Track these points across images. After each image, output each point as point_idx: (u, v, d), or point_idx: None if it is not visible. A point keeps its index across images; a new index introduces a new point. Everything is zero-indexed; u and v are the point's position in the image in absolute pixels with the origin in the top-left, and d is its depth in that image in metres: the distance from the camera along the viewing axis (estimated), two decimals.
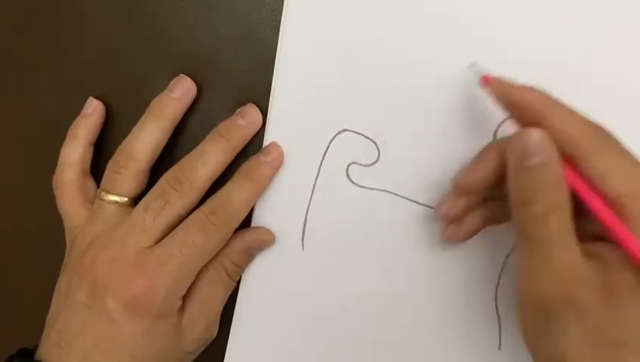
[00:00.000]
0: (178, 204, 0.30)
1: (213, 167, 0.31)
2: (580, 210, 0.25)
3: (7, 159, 0.37)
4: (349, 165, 0.32)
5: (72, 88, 0.35)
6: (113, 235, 0.30)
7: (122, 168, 0.31)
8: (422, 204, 0.32)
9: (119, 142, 0.32)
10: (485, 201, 0.29)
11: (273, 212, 0.33)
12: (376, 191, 0.32)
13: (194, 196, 0.31)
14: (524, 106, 0.26)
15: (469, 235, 0.30)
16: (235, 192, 0.31)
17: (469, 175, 0.28)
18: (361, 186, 0.32)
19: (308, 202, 0.33)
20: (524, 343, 0.27)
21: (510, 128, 0.29)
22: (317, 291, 0.33)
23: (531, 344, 0.26)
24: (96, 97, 0.34)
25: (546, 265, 0.24)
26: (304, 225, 0.33)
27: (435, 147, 0.31)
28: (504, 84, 0.27)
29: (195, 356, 0.33)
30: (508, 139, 0.26)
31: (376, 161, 0.32)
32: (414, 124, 0.32)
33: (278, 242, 0.33)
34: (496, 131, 0.31)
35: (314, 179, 0.33)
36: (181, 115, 0.33)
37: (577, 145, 0.25)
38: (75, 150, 0.33)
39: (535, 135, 0.25)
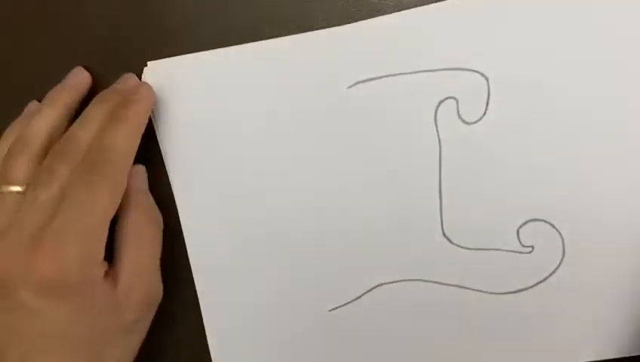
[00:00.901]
0: (64, 170, 0.28)
1: (95, 131, 0.30)
2: None
3: None
4: None
5: None
6: (11, 223, 0.28)
7: (17, 155, 0.30)
8: None
9: None
10: None
11: None
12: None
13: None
14: None
15: None
16: (107, 135, 0.29)
17: None
18: None
19: None
20: None
21: (449, 108, 0.30)
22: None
23: None
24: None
25: None
26: None
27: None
28: None
29: (147, 323, 0.31)
30: None
31: None
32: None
33: None
34: (435, 115, 0.31)
35: None
36: (76, 103, 0.32)
37: None
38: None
39: None
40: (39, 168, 0.29)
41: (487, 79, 0.30)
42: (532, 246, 0.31)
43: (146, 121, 0.31)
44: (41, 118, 0.31)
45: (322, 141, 0.32)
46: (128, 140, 0.29)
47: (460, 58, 0.30)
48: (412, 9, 0.31)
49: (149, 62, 0.33)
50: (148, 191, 0.33)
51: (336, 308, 0.33)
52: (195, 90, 0.32)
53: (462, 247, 0.32)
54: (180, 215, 0.33)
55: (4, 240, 0.28)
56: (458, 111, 0.31)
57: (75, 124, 0.30)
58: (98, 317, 0.28)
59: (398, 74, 0.31)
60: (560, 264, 0.31)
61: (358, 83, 0.31)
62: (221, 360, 0.34)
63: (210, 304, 0.34)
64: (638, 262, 0.30)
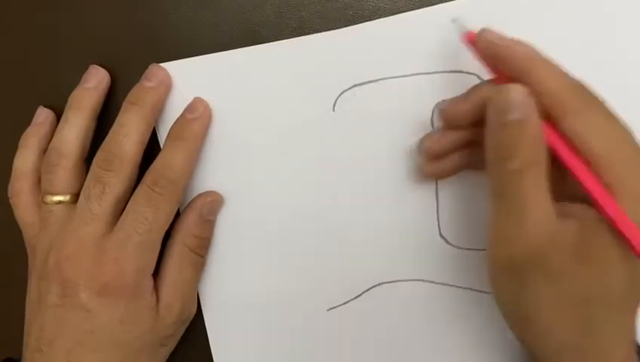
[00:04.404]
0: (116, 183, 0.30)
1: (137, 137, 0.31)
2: (557, 170, 0.25)
3: None
4: None
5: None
6: (67, 233, 0.30)
7: (55, 167, 0.31)
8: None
9: None
10: (467, 145, 0.29)
11: None
12: None
13: (128, 170, 0.30)
14: (509, 59, 0.26)
15: (447, 173, 0.30)
16: (170, 156, 0.31)
17: (455, 104, 0.28)
18: None
19: None
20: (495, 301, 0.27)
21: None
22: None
23: (501, 302, 0.27)
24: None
25: (519, 223, 0.24)
26: None
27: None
28: (492, 36, 0.26)
29: (177, 339, 0.33)
30: (490, 94, 0.26)
31: None
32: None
33: None
34: (432, 117, 0.31)
35: None
36: (100, 104, 0.33)
37: (558, 104, 0.25)
38: (28, 158, 0.33)
39: (515, 90, 0.24)
40: (87, 178, 0.31)
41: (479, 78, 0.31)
42: None
43: (205, 138, 0.32)
44: (71, 128, 0.32)
45: (320, 142, 0.32)
46: (187, 161, 0.31)
47: (456, 60, 0.31)
48: (408, 12, 0.31)
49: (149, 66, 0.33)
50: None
51: (335, 307, 0.33)
52: (195, 92, 0.32)
53: (459, 248, 0.32)
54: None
55: (68, 248, 0.30)
56: None
57: (112, 131, 0.31)
58: (142, 327, 0.30)
59: (396, 77, 0.31)
60: None
61: (354, 86, 0.32)
62: (222, 359, 0.34)
63: (210, 303, 0.34)
64: None
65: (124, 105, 0.31)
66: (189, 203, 0.33)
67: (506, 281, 0.25)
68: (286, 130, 0.32)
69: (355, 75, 0.32)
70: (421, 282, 0.32)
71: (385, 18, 0.31)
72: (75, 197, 0.31)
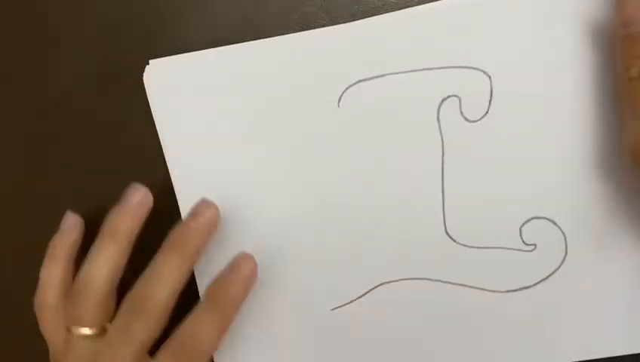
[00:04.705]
0: (144, 332, 0.29)
1: (173, 286, 0.29)
2: None
3: None
4: None
5: None
6: None
7: (84, 300, 0.30)
8: None
9: None
10: None
11: None
12: None
13: (159, 321, 0.29)
14: None
15: None
16: (204, 327, 0.29)
17: None
18: None
19: None
20: None
21: (452, 106, 0.30)
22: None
23: None
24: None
25: None
26: None
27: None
28: None
29: None
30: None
31: None
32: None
33: None
34: (438, 113, 0.31)
35: None
36: (137, 235, 0.31)
37: None
38: (55, 270, 0.31)
39: (634, 5, 0.27)
40: (113, 322, 0.30)
41: (489, 77, 0.30)
42: (535, 245, 0.31)
43: (240, 307, 0.30)
44: (104, 259, 0.30)
45: (324, 139, 0.32)
46: (220, 332, 0.29)
47: (462, 56, 0.30)
48: (414, 7, 0.31)
49: (150, 61, 0.32)
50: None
51: (339, 307, 0.33)
52: (196, 88, 0.32)
53: (465, 246, 0.31)
54: (180, 211, 0.33)
55: None
56: (461, 109, 0.31)
57: (148, 276, 0.29)
58: None
59: (401, 72, 0.31)
60: (562, 262, 0.31)
61: (359, 82, 0.31)
62: (223, 359, 0.34)
63: None
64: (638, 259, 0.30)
65: (165, 246, 0.30)
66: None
67: None
68: (288, 127, 0.32)
69: (360, 71, 0.31)
70: (426, 281, 0.32)
71: (390, 13, 0.31)
72: (100, 330, 0.30)
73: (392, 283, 0.32)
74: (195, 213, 0.30)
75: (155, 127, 0.33)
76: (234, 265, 0.30)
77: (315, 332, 0.33)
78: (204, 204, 0.30)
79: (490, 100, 0.31)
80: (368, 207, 0.32)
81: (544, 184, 0.31)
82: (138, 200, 0.31)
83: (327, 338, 0.33)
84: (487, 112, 0.31)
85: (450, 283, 0.32)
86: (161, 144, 0.33)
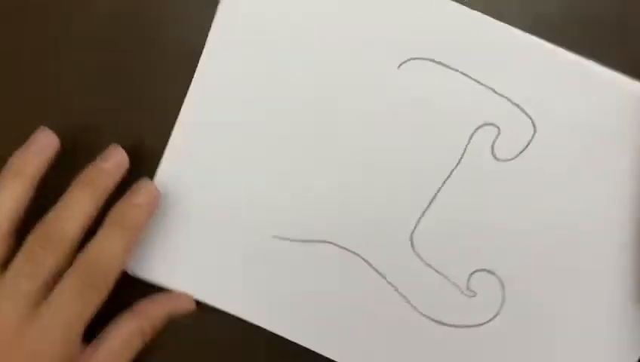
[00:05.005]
0: (51, 263, 0.28)
1: (83, 220, 0.29)
2: None
3: None
4: None
5: None
6: None
7: None
8: None
9: None
10: None
11: None
12: None
13: (67, 251, 0.29)
14: None
15: None
16: (107, 246, 0.29)
17: None
18: None
19: None
20: None
21: (485, 134, 0.30)
22: None
23: None
24: None
25: None
26: None
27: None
28: None
29: None
30: None
31: None
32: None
33: None
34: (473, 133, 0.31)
35: None
36: (44, 172, 0.30)
37: None
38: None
39: None
40: (20, 253, 0.29)
41: (535, 129, 0.30)
42: (475, 293, 0.32)
43: (145, 227, 0.30)
44: (7, 194, 0.29)
45: (375, 97, 0.31)
46: (126, 251, 0.29)
47: (525, 99, 0.30)
48: (514, 28, 0.30)
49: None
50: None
51: (279, 237, 0.32)
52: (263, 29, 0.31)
53: (418, 256, 0.32)
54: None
55: None
56: (494, 142, 0.31)
57: (57, 209, 0.29)
58: None
59: (469, 77, 0.30)
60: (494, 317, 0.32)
61: (428, 60, 0.31)
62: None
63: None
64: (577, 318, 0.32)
65: (76, 182, 0.29)
66: (161, 296, 0.32)
67: None
68: (342, 80, 0.31)
69: (435, 51, 0.30)
70: (367, 265, 0.32)
71: (492, 18, 0.30)
72: (0, 268, 0.29)
73: (338, 248, 0.32)
74: (104, 157, 0.30)
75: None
76: (134, 189, 0.30)
77: (247, 252, 0.32)
78: (113, 149, 0.30)
79: (525, 149, 0.31)
80: (355, 176, 0.32)
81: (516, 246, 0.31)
82: (43, 142, 0.30)
83: (255, 263, 0.33)
84: (516, 156, 0.31)
85: (388, 282, 0.32)
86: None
